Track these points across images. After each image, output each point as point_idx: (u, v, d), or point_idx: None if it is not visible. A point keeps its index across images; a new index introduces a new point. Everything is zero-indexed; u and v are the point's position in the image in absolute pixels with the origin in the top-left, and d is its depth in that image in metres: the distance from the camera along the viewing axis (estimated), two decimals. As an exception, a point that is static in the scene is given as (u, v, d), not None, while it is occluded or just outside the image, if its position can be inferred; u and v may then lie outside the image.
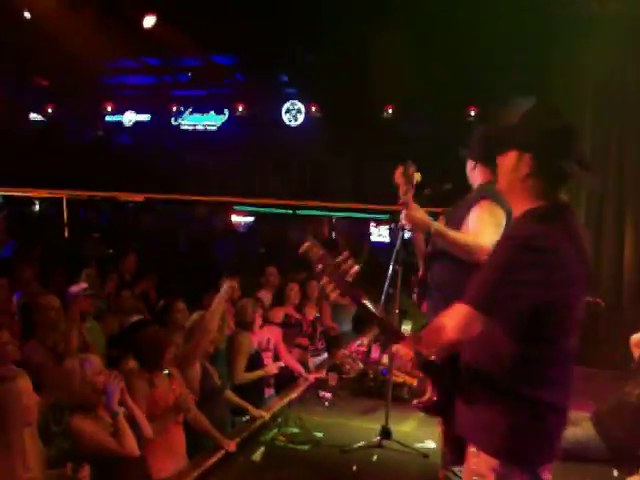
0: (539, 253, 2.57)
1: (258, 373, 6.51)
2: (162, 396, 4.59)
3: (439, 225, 3.99)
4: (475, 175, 4.25)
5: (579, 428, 5.07)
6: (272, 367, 6.67)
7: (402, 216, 4.06)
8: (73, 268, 8.29)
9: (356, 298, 2.88)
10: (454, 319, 2.69)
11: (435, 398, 2.90)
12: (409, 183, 4.04)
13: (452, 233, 3.90)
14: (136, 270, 9.39)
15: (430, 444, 5.37)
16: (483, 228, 3.83)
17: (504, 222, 3.81)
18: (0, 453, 3.35)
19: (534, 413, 2.67)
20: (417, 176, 4.11)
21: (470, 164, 4.28)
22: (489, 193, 3.91)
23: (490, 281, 2.64)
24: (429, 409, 2.97)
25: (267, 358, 6.84)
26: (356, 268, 2.84)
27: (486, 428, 2.73)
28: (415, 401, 2.96)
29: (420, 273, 4.30)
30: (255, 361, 6.57)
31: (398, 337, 2.88)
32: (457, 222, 4.03)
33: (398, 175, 4.07)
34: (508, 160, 2.77)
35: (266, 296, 8.24)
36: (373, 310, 2.91)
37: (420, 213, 4.00)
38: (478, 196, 4.04)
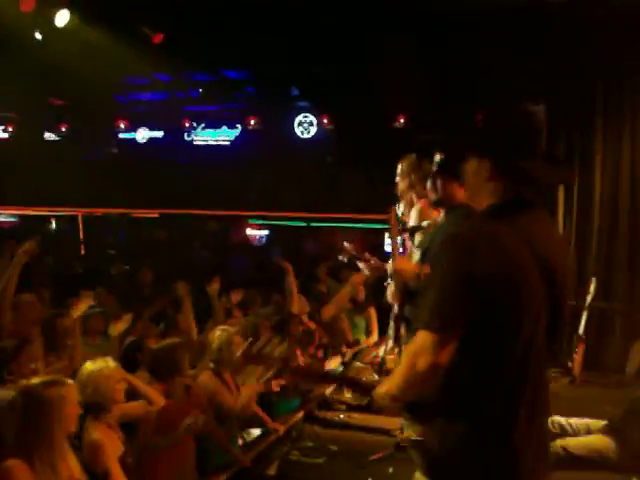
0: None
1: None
2: (175, 408, 4.58)
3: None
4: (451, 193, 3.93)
5: (593, 436, 5.00)
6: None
7: (390, 267, 3.94)
8: (89, 285, 8.31)
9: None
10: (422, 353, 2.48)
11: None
12: (398, 225, 3.93)
13: None
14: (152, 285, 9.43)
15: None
16: None
17: None
18: (44, 456, 3.38)
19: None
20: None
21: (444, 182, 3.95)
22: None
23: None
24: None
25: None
26: None
27: None
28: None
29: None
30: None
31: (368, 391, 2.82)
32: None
33: (391, 217, 3.93)
34: (469, 166, 2.75)
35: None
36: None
37: (407, 266, 3.85)
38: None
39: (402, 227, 3.99)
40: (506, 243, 2.55)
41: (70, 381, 3.65)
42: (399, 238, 3.96)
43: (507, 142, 2.70)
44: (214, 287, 7.21)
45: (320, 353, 7.87)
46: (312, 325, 7.87)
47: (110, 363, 4.33)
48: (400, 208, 4.30)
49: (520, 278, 2.56)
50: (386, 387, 2.67)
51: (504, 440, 2.55)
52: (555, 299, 2.68)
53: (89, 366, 4.25)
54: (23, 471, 3.29)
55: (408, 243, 4.07)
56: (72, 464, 3.62)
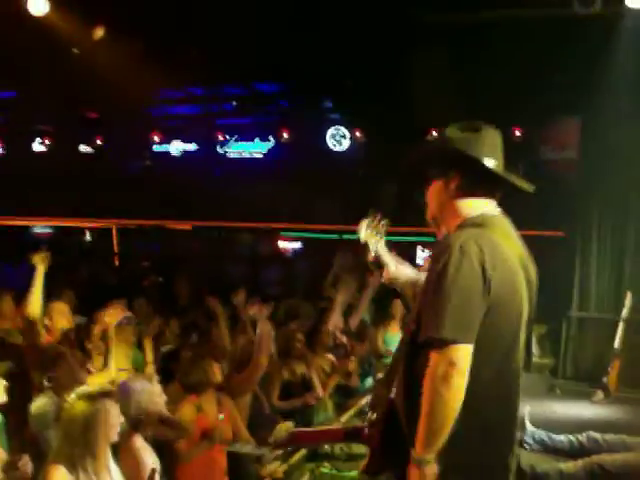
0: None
1: (294, 402, 6.48)
2: (207, 422, 4.59)
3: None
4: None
5: (630, 454, 4.92)
6: (309, 398, 6.62)
7: (383, 275, 3.86)
8: (123, 296, 8.37)
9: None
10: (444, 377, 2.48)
11: None
12: (378, 234, 3.80)
13: None
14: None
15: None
16: None
17: None
18: (87, 466, 3.42)
19: None
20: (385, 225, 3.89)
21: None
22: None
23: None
24: None
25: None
26: None
27: None
28: None
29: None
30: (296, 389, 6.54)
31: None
32: None
33: (361, 231, 3.80)
34: (435, 185, 2.85)
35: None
36: None
37: (401, 271, 3.80)
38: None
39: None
40: (505, 250, 2.64)
41: (110, 392, 3.68)
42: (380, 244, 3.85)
43: (468, 157, 2.82)
44: (239, 298, 7.23)
45: (352, 366, 7.83)
46: (344, 340, 7.81)
47: (152, 379, 4.35)
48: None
49: (517, 284, 2.64)
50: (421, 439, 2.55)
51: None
52: (531, 305, 2.77)
53: (131, 380, 4.27)
54: (62, 476, 3.34)
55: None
56: (115, 474, 3.66)
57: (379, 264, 3.85)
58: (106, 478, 3.51)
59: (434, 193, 2.88)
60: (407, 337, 2.85)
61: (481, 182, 2.87)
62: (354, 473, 5.36)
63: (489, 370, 2.62)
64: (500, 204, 4.14)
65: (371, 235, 3.80)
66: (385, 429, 2.89)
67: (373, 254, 3.79)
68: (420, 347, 2.60)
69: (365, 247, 3.77)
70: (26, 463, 3.79)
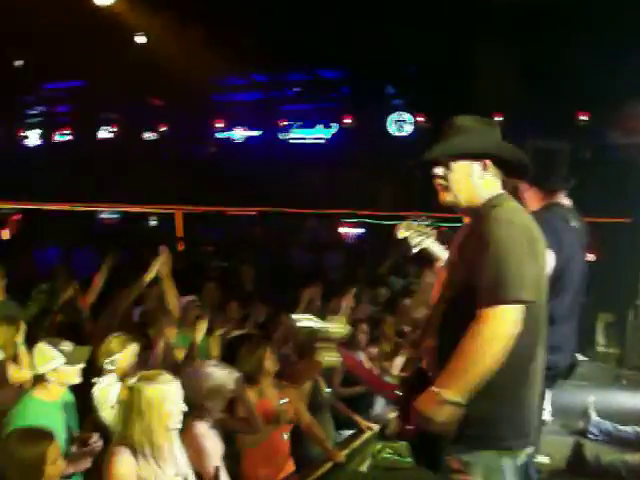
0: None
1: (356, 389, 6.49)
2: (269, 406, 4.65)
3: None
4: (528, 198, 3.96)
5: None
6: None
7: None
8: (189, 280, 8.44)
9: None
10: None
11: None
12: (422, 234, 3.85)
13: None
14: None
15: (543, 459, 5.25)
16: None
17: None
18: (147, 451, 3.46)
19: None
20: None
21: (521, 185, 3.92)
22: None
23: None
24: None
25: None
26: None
27: None
28: None
29: None
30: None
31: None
32: None
33: (400, 232, 3.87)
34: (461, 166, 2.96)
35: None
36: None
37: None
38: None
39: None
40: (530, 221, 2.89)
41: (171, 378, 3.69)
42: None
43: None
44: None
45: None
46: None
47: (229, 370, 4.38)
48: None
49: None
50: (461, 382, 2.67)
51: None
52: None
53: (211, 369, 4.30)
54: (126, 458, 3.38)
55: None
56: (180, 461, 3.67)
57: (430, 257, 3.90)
58: (167, 466, 3.51)
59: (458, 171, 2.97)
60: (443, 303, 2.97)
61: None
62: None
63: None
64: (568, 190, 4.19)
65: (413, 235, 3.86)
66: (413, 387, 2.98)
67: (415, 251, 3.86)
68: (465, 309, 2.71)
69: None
70: (96, 441, 3.89)
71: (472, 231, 2.92)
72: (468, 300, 2.70)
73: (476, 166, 2.95)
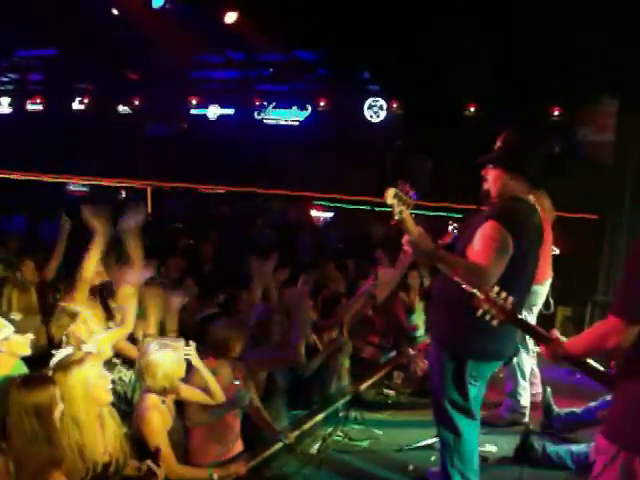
0: None
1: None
2: (222, 386, 4.66)
3: (442, 251, 4.00)
4: (501, 187, 4.07)
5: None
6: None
7: (403, 241, 4.00)
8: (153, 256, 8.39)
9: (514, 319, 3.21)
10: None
11: None
12: (404, 204, 3.89)
13: (452, 259, 3.90)
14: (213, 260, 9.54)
15: (490, 447, 5.33)
16: (484, 253, 3.79)
17: (510, 245, 3.79)
18: (72, 431, 3.48)
19: None
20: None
21: (500, 173, 4.06)
22: (500, 213, 3.89)
23: None
24: None
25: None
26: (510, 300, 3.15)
27: None
28: None
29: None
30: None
31: (546, 339, 3.17)
32: (467, 238, 3.97)
33: (389, 197, 3.88)
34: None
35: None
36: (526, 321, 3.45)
37: (423, 238, 3.94)
38: (490, 213, 3.95)
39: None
40: None
41: (91, 353, 3.71)
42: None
43: None
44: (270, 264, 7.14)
45: (378, 339, 7.87)
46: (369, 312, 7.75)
47: (182, 345, 4.39)
48: None
49: None
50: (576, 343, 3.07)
51: None
52: None
53: (160, 350, 4.29)
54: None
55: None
56: (110, 439, 3.70)
57: (401, 230, 3.95)
58: (94, 444, 3.54)
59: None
60: None
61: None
62: (366, 442, 5.45)
63: None
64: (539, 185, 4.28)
65: (398, 203, 3.88)
66: None
67: (397, 218, 3.88)
68: None
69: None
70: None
71: None
72: None
73: None
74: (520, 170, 4.00)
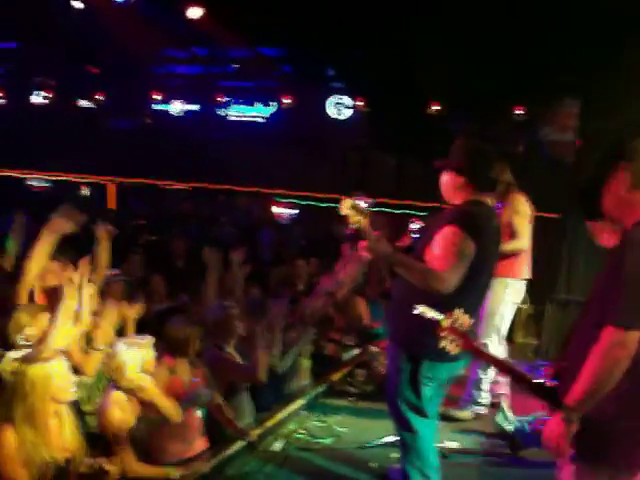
0: None
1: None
2: (181, 384, 4.64)
3: (400, 256, 4.01)
4: (457, 192, 4.10)
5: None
6: None
7: (360, 247, 4.01)
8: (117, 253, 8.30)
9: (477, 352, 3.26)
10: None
11: None
12: (361, 213, 3.91)
13: (411, 264, 3.92)
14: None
15: (450, 444, 5.37)
16: (444, 258, 3.80)
17: (470, 251, 3.80)
18: (26, 432, 3.45)
19: None
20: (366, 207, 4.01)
21: (455, 178, 4.09)
22: (461, 218, 3.90)
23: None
24: None
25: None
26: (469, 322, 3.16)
27: None
28: None
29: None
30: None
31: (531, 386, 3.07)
32: (426, 240, 3.99)
33: (345, 208, 3.90)
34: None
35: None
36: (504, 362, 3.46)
37: (382, 243, 3.94)
38: (450, 217, 3.96)
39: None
40: None
41: (56, 351, 3.70)
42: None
43: None
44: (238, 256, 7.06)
45: (339, 337, 7.86)
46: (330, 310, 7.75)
47: (147, 346, 4.37)
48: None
49: None
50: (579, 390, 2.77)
51: None
52: None
53: (124, 348, 4.27)
54: (9, 436, 3.40)
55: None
56: (67, 438, 3.67)
57: (359, 236, 3.95)
58: (50, 441, 3.54)
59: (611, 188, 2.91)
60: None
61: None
62: (329, 440, 5.45)
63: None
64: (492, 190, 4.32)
65: (354, 213, 3.90)
66: None
67: (353, 227, 3.90)
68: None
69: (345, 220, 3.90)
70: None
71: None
72: None
73: None
74: (470, 178, 4.02)
